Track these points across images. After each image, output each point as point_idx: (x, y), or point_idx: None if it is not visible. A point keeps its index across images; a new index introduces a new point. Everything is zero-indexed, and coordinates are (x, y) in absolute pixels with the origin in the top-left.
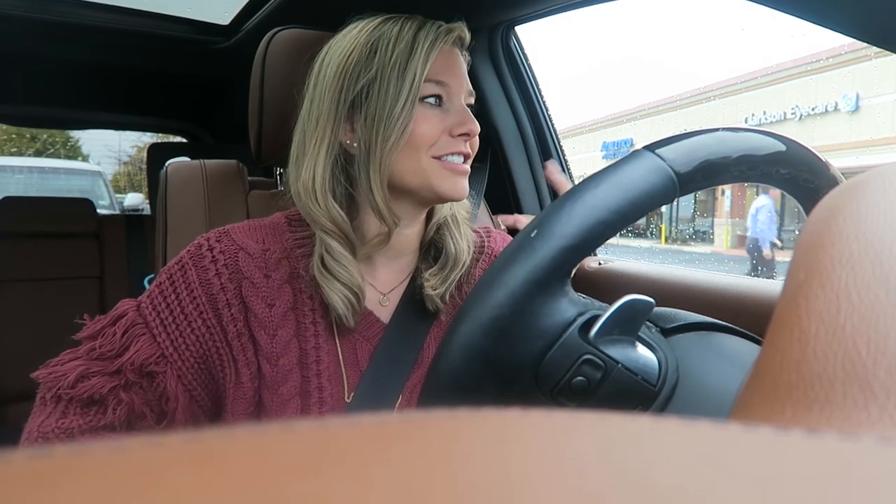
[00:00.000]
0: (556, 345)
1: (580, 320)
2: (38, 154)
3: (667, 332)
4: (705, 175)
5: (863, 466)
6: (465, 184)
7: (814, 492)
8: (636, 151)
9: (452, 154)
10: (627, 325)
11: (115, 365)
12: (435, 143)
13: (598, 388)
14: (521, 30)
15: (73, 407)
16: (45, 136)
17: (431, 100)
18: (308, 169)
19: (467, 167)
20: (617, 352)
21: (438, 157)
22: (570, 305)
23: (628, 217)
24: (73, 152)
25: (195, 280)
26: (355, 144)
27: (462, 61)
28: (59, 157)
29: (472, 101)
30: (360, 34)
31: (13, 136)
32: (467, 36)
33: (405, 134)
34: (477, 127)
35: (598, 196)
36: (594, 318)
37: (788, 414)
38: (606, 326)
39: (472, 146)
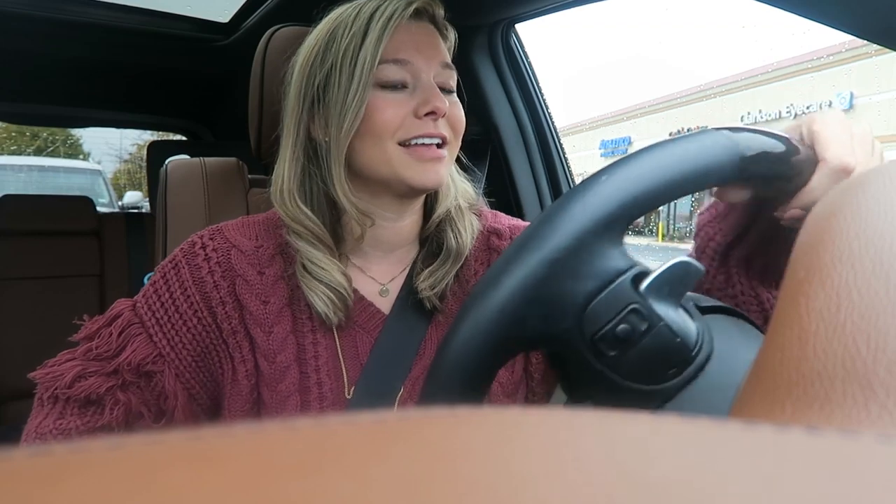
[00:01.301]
0: (609, 289)
1: (633, 271)
2: (38, 152)
3: (703, 310)
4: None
5: (862, 464)
6: (437, 170)
7: (813, 489)
8: (708, 131)
9: (420, 137)
10: (676, 287)
11: (112, 365)
12: (400, 127)
13: (640, 339)
14: (521, 28)
15: (71, 407)
16: (45, 133)
17: (393, 83)
18: (278, 169)
19: (441, 152)
20: (662, 309)
21: (406, 144)
22: (623, 256)
23: (688, 187)
24: (75, 150)
25: (188, 278)
26: (326, 139)
27: (432, 35)
28: (60, 156)
29: (452, 77)
30: (324, 25)
31: (13, 133)
32: (437, 9)
33: (357, 120)
34: (444, 103)
35: (667, 158)
36: (645, 273)
37: (788, 412)
38: (658, 282)
39: (454, 127)
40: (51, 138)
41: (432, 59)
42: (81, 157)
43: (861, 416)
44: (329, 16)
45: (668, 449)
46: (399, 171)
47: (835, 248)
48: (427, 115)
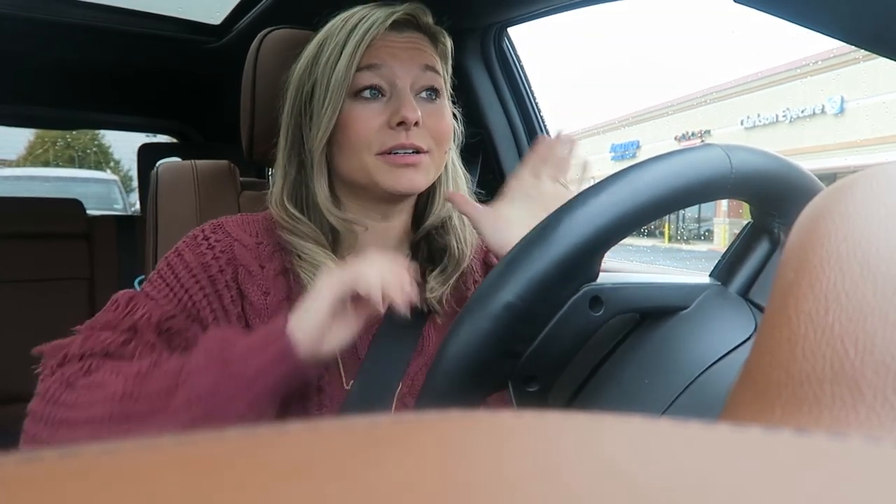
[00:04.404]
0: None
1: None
2: (70, 161)
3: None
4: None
5: (850, 465)
6: (411, 176)
7: (802, 491)
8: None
9: (394, 148)
10: None
11: (125, 324)
12: (375, 138)
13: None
14: (537, 32)
15: (87, 362)
16: (75, 142)
17: (368, 93)
18: (275, 175)
19: (416, 158)
20: None
21: (385, 153)
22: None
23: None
24: (105, 157)
25: (195, 263)
26: (310, 150)
27: (415, 41)
28: (81, 166)
29: (435, 79)
30: (317, 37)
31: (52, 141)
32: (422, 17)
33: (328, 130)
34: (414, 113)
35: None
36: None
37: (778, 414)
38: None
39: (434, 136)
40: (81, 147)
41: (410, 62)
42: (112, 163)
43: (850, 418)
44: (324, 28)
45: (657, 451)
46: (374, 177)
47: (823, 251)
48: (399, 125)
